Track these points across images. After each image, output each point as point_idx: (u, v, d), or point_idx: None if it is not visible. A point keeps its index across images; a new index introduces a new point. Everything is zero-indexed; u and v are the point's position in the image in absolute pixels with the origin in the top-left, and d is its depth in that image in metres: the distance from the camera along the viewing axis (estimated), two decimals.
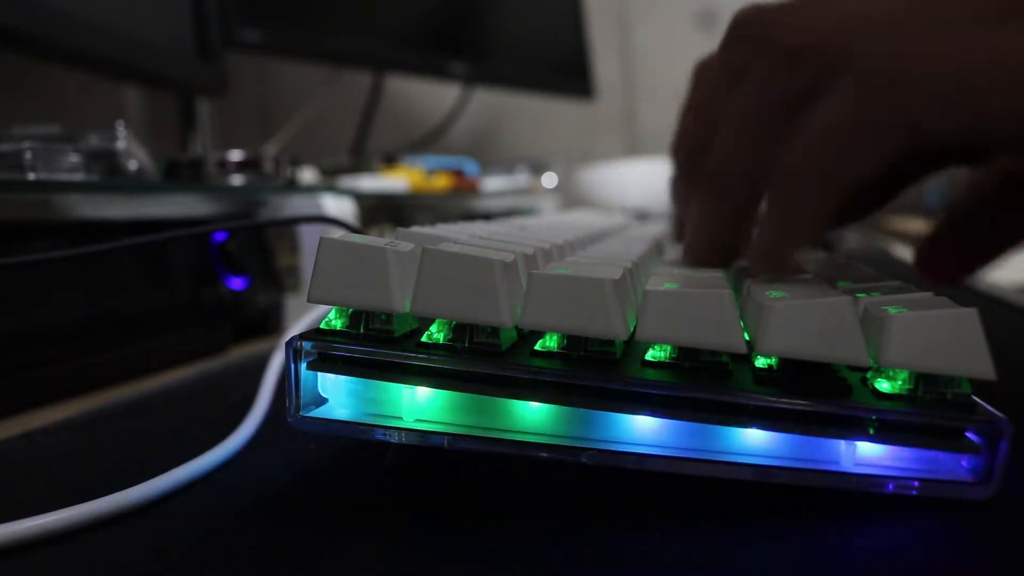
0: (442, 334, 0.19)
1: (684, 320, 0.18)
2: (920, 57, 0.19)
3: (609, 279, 0.18)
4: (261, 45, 0.75)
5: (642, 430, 0.19)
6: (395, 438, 0.19)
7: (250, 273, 0.47)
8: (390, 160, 0.78)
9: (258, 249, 0.50)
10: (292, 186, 0.54)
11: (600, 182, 1.04)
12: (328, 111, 0.97)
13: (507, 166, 0.94)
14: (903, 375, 0.18)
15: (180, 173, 0.47)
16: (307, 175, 0.64)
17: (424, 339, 0.19)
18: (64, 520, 0.18)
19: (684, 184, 0.26)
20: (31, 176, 0.35)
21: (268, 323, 0.49)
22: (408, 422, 0.19)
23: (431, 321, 0.19)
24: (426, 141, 1.04)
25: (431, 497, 0.20)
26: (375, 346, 0.19)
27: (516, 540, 0.17)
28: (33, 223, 0.36)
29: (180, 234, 0.35)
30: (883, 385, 0.18)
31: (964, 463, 0.18)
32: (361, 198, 0.57)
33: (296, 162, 0.59)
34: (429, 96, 1.15)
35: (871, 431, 0.18)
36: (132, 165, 0.42)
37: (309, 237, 0.50)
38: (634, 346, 0.19)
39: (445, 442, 0.19)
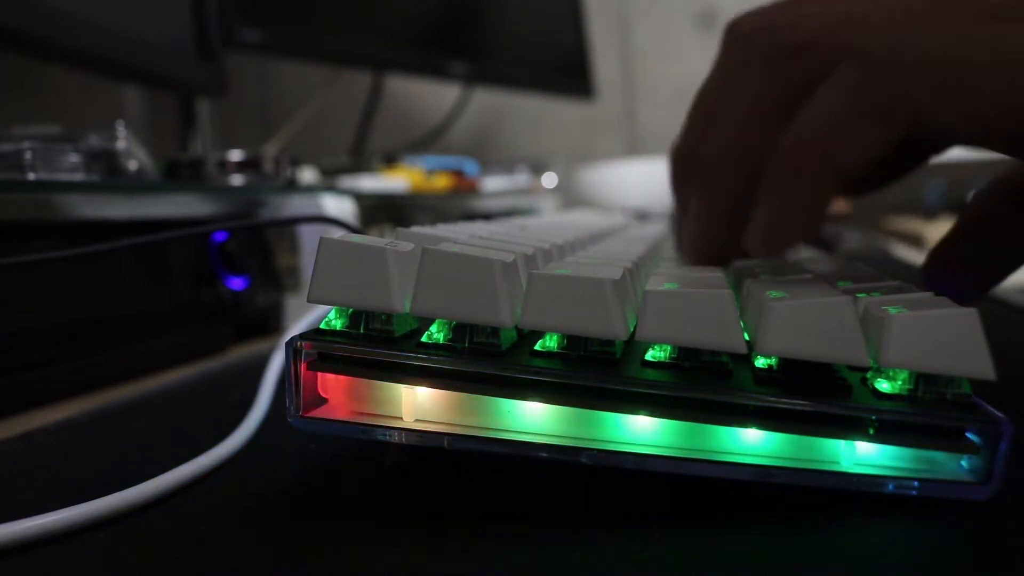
0: (442, 334, 0.19)
1: (684, 320, 0.18)
2: (919, 45, 0.19)
3: (609, 279, 0.18)
4: (261, 45, 0.75)
5: (642, 430, 0.19)
6: (395, 438, 0.19)
7: (250, 273, 0.47)
8: (390, 160, 0.78)
9: (258, 249, 0.50)
10: (292, 186, 0.54)
11: (600, 182, 1.04)
12: (328, 111, 0.97)
13: (507, 166, 0.94)
14: (903, 375, 0.18)
15: (180, 173, 0.47)
16: (307, 175, 0.64)
17: (424, 339, 0.19)
18: (64, 520, 0.18)
19: (681, 184, 0.27)
20: (31, 176, 0.35)
21: (268, 323, 0.49)
22: (408, 422, 0.19)
23: (431, 321, 0.19)
24: (426, 141, 1.04)
25: (431, 497, 0.20)
26: (375, 346, 0.19)
27: (516, 540, 0.17)
28: (33, 223, 0.36)
29: (180, 234, 0.35)
30: (883, 385, 0.18)
31: (964, 463, 0.18)
32: (361, 198, 0.57)
33: (296, 162, 0.59)
34: (429, 96, 1.15)
35: (871, 431, 0.18)
36: (132, 165, 0.42)
37: (309, 237, 0.50)
38: (634, 346, 0.19)
39: (445, 442, 0.19)
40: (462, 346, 0.19)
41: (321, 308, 0.20)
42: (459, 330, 0.19)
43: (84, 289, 0.37)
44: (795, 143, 0.21)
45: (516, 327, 0.19)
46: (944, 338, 0.17)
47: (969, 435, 0.18)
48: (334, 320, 0.19)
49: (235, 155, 0.49)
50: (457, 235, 0.23)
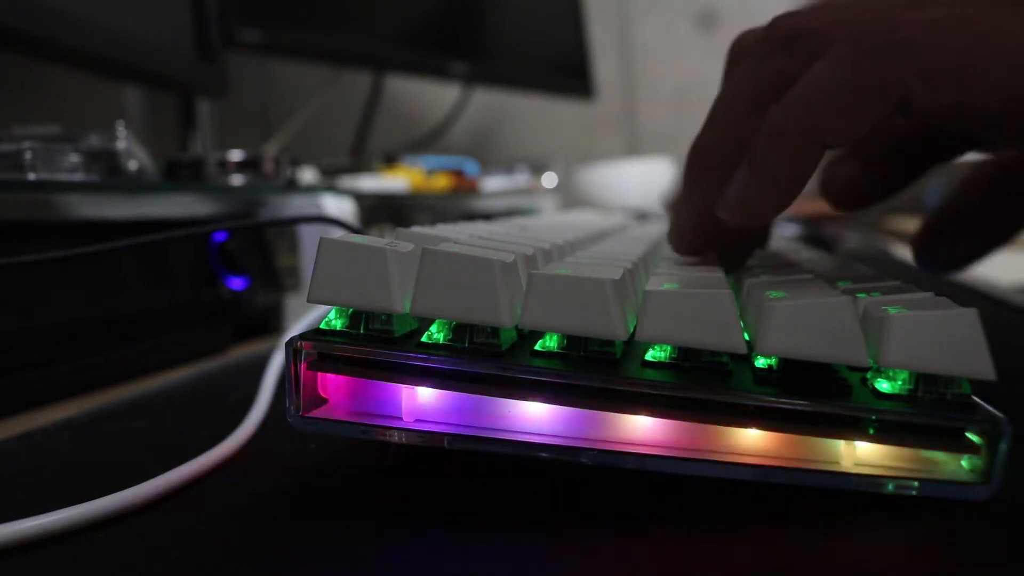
0: (442, 334, 0.19)
1: (684, 320, 0.18)
2: (915, 27, 0.19)
3: (609, 279, 0.18)
4: (261, 45, 0.75)
5: (642, 430, 0.19)
6: (395, 438, 0.19)
7: (250, 273, 0.47)
8: (390, 160, 0.78)
9: (258, 249, 0.50)
10: (292, 186, 0.54)
11: (600, 182, 1.04)
12: (328, 111, 0.97)
13: (507, 166, 0.94)
14: (903, 375, 0.18)
15: (180, 173, 0.47)
16: (307, 175, 0.64)
17: (424, 339, 0.19)
18: (64, 520, 0.18)
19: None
20: (31, 176, 0.35)
21: (268, 323, 0.49)
22: (408, 422, 0.19)
23: (431, 321, 0.19)
24: (426, 141, 1.04)
25: (431, 497, 0.20)
26: (375, 346, 0.19)
27: (516, 540, 0.17)
28: (33, 223, 0.36)
29: (180, 234, 0.35)
30: (883, 385, 0.18)
31: (964, 463, 0.18)
32: (361, 198, 0.57)
33: (296, 162, 0.59)
34: (429, 96, 1.15)
35: (871, 431, 0.18)
36: (132, 165, 0.42)
37: (309, 237, 0.50)
38: (634, 346, 0.19)
39: (445, 442, 0.19)
40: (462, 346, 0.19)
41: (321, 308, 0.20)
42: (459, 330, 0.19)
43: (84, 289, 0.37)
44: (782, 113, 0.21)
45: (516, 327, 0.19)
46: (944, 338, 0.17)
47: (969, 435, 0.18)
48: (334, 320, 0.19)
49: (235, 155, 0.49)
50: (457, 235, 0.23)
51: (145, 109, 0.83)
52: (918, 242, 0.30)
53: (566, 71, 1.15)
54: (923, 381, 0.18)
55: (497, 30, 1.06)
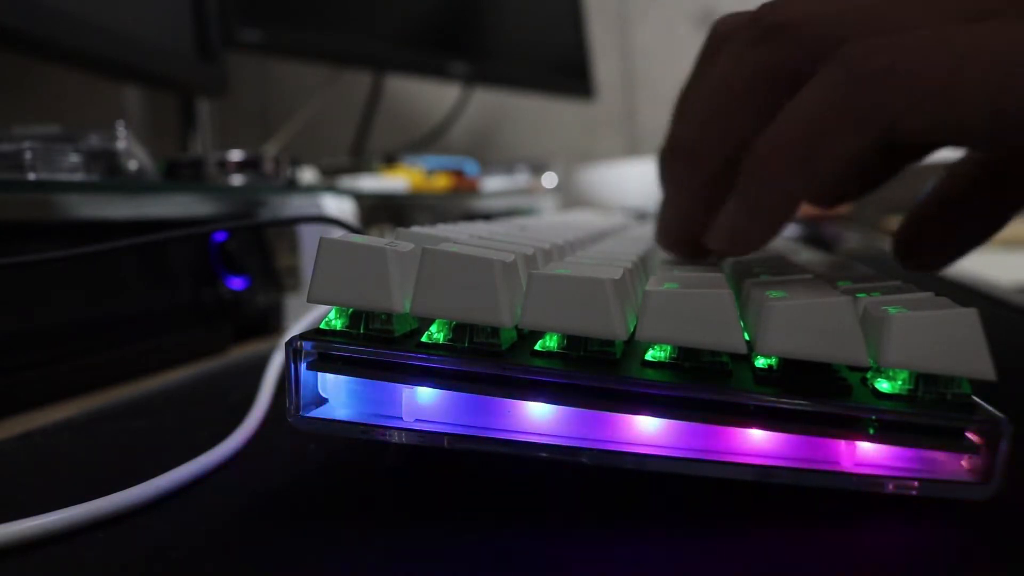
0: (442, 334, 0.19)
1: (684, 320, 0.18)
2: (897, 51, 0.19)
3: (609, 279, 0.18)
4: (261, 45, 0.75)
5: (642, 430, 0.19)
6: (395, 438, 0.19)
7: (250, 273, 0.47)
8: (390, 160, 0.78)
9: (258, 249, 0.50)
10: (292, 186, 0.54)
11: (600, 182, 1.04)
12: (328, 111, 0.97)
13: (507, 166, 0.94)
14: (903, 375, 0.18)
15: (180, 173, 0.47)
16: (307, 175, 0.64)
17: (424, 339, 0.19)
18: (64, 520, 0.18)
19: (664, 175, 0.26)
20: (31, 176, 0.35)
21: (268, 323, 0.49)
22: (408, 422, 0.19)
23: (431, 321, 0.19)
24: (426, 141, 1.04)
25: (431, 497, 0.20)
26: (375, 346, 0.19)
27: (516, 540, 0.17)
28: (33, 223, 0.36)
29: (180, 234, 0.35)
30: (883, 385, 0.18)
31: (964, 463, 0.18)
32: (361, 198, 0.57)
33: (296, 162, 0.59)
34: (429, 96, 1.15)
35: (871, 431, 0.18)
36: (132, 165, 0.42)
37: (309, 237, 0.50)
38: (634, 346, 0.19)
39: (445, 442, 0.19)
40: (462, 346, 0.19)
41: (321, 308, 0.20)
42: (459, 330, 0.19)
43: (84, 289, 0.37)
44: (769, 145, 0.21)
45: (516, 327, 0.19)
46: (944, 338, 0.17)
47: (969, 435, 0.18)
48: (334, 320, 0.19)
49: (235, 155, 0.49)
50: (457, 235, 0.23)
51: (145, 109, 0.83)
52: (899, 239, 0.30)
53: (566, 71, 1.15)
54: (923, 381, 0.18)
55: (497, 30, 1.06)
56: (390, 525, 0.18)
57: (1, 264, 0.27)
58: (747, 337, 0.19)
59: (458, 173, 0.81)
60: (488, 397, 0.19)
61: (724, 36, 0.24)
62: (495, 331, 0.19)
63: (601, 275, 0.18)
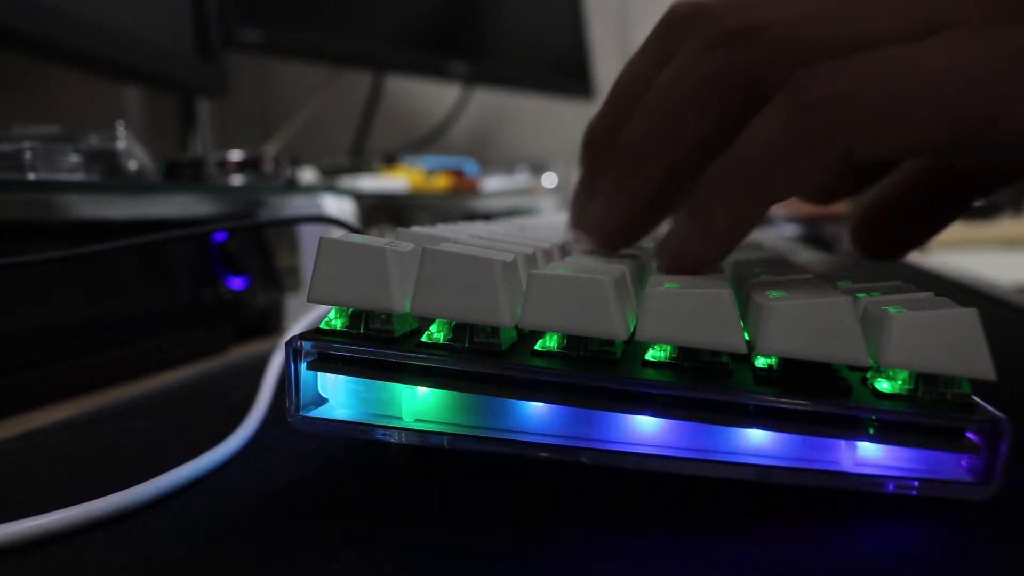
0: (442, 334, 0.19)
1: (684, 320, 0.18)
2: (849, 76, 0.19)
3: (609, 279, 0.18)
4: (261, 45, 0.75)
5: (642, 430, 0.19)
6: (395, 438, 0.19)
7: (250, 273, 0.47)
8: (390, 160, 0.78)
9: (258, 249, 0.50)
10: (292, 186, 0.54)
11: None
12: (328, 111, 0.97)
13: (507, 166, 0.94)
14: (903, 375, 0.18)
15: (180, 173, 0.47)
16: (307, 175, 0.64)
17: (424, 339, 0.19)
18: (64, 520, 0.18)
19: (592, 162, 0.25)
20: (31, 176, 0.35)
21: (268, 323, 0.49)
22: (408, 422, 0.19)
23: (431, 321, 0.19)
24: (426, 141, 1.04)
25: (431, 497, 0.20)
26: (375, 346, 0.19)
27: (516, 540, 0.17)
28: (33, 223, 0.36)
29: (180, 234, 0.35)
30: (883, 385, 0.18)
31: (964, 463, 0.18)
32: (361, 198, 0.57)
33: (296, 162, 0.59)
34: (429, 96, 1.15)
35: (871, 431, 0.18)
36: (132, 165, 0.42)
37: (309, 237, 0.50)
38: (634, 346, 0.19)
39: (445, 442, 0.19)
40: (462, 346, 0.19)
41: (321, 308, 0.20)
42: (459, 330, 0.19)
43: (84, 289, 0.37)
44: (725, 169, 0.21)
45: (516, 327, 0.19)
46: (944, 338, 0.17)
47: (969, 435, 0.18)
48: (334, 320, 0.19)
49: (235, 155, 0.49)
50: (457, 235, 0.23)
51: (145, 109, 0.83)
52: (854, 232, 0.31)
53: (566, 71, 1.15)
54: (923, 381, 0.18)
55: (497, 30, 1.06)
56: (390, 525, 0.18)
57: (1, 264, 0.27)
58: (747, 337, 0.19)
59: (458, 173, 0.81)
60: (488, 397, 0.19)
61: (681, 27, 0.23)
62: (495, 331, 0.19)
63: (601, 275, 0.18)
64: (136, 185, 0.42)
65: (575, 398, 0.18)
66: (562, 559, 0.16)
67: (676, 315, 0.18)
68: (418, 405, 0.19)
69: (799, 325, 0.17)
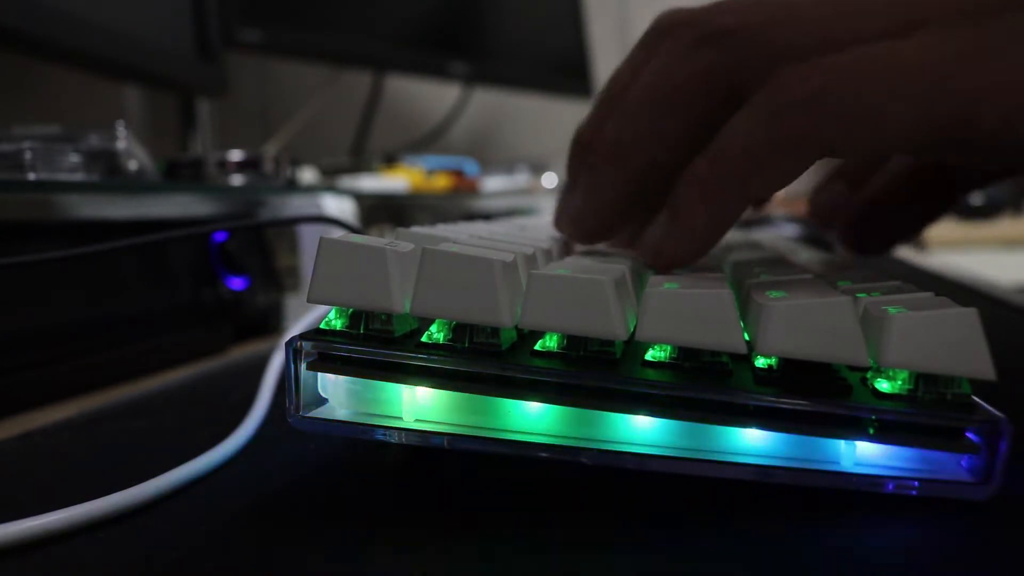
0: (442, 334, 0.19)
1: (684, 320, 0.18)
2: (828, 75, 0.20)
3: (609, 279, 0.18)
4: (261, 45, 0.75)
5: (642, 430, 0.19)
6: (395, 438, 0.19)
7: (250, 273, 0.47)
8: (390, 160, 0.78)
9: (258, 249, 0.50)
10: (292, 186, 0.54)
11: None
12: (328, 111, 0.97)
13: (507, 166, 0.94)
14: (903, 375, 0.18)
15: (180, 173, 0.47)
16: (307, 175, 0.64)
17: (424, 339, 0.19)
18: (64, 520, 0.18)
19: (577, 166, 0.26)
20: (31, 176, 0.35)
21: (268, 323, 0.49)
22: (408, 422, 0.19)
23: (431, 321, 0.19)
24: (426, 141, 1.04)
25: (431, 497, 0.20)
26: (375, 346, 0.19)
27: (516, 540, 0.17)
28: (33, 223, 0.36)
29: (180, 234, 0.35)
30: (883, 385, 0.18)
31: (964, 463, 0.18)
32: (361, 198, 0.57)
33: (296, 162, 0.59)
34: (429, 96, 1.15)
35: (871, 431, 0.18)
36: (132, 165, 0.42)
37: (309, 237, 0.50)
38: (634, 346, 0.19)
39: (445, 442, 0.19)
40: (462, 346, 0.19)
41: (321, 308, 0.20)
42: (459, 330, 0.19)
43: (84, 289, 0.37)
44: (706, 166, 0.21)
45: (516, 327, 0.19)
46: (944, 338, 0.17)
47: (969, 435, 0.18)
48: (334, 320, 0.19)
49: (235, 155, 0.49)
50: (457, 235, 0.23)
51: (145, 109, 0.83)
52: (843, 228, 0.31)
53: (566, 71, 1.15)
54: (923, 381, 0.18)
55: (497, 30, 1.06)
56: (390, 525, 0.18)
57: (1, 264, 0.27)
58: (747, 337, 0.19)
59: (458, 173, 0.81)
60: (488, 397, 0.19)
61: (665, 32, 0.23)
62: (495, 331, 0.19)
63: (601, 275, 0.18)
64: (136, 185, 0.42)
65: (575, 398, 0.18)
66: (562, 559, 0.16)
67: (676, 315, 0.18)
68: (418, 405, 0.19)
69: (799, 325, 0.17)
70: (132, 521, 0.18)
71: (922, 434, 0.18)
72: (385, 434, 0.19)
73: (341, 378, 0.19)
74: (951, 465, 0.18)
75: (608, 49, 1.27)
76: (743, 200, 0.21)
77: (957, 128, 0.19)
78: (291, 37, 0.79)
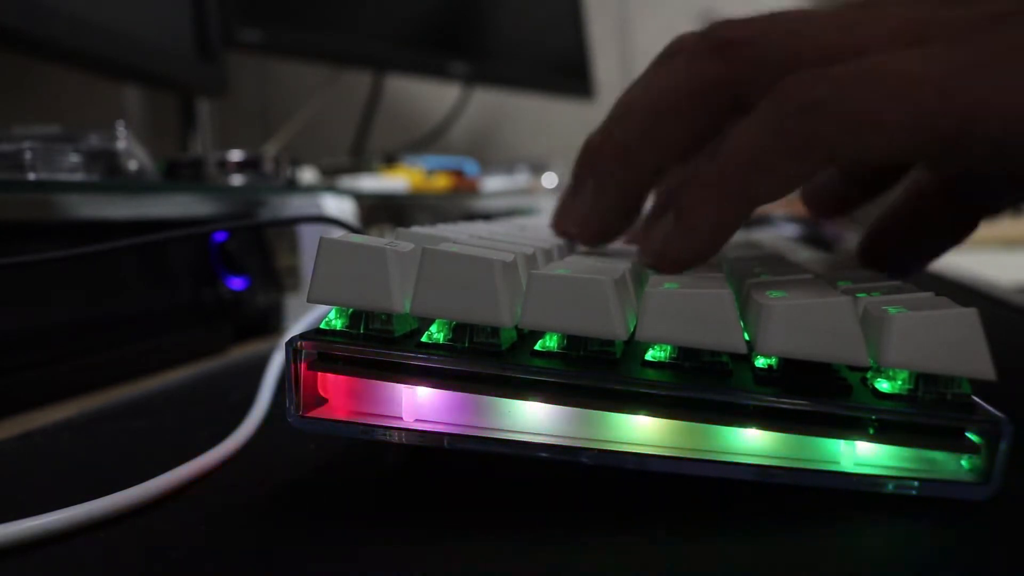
0: (442, 334, 0.19)
1: (684, 320, 0.18)
2: (832, 82, 0.20)
3: (609, 279, 0.18)
4: (261, 45, 0.75)
5: (642, 430, 0.19)
6: (395, 438, 0.19)
7: (250, 273, 0.47)
8: (390, 160, 0.78)
9: (258, 249, 0.50)
10: (292, 186, 0.54)
11: None
12: (328, 111, 0.97)
13: (507, 166, 0.94)
14: (903, 375, 0.18)
15: (180, 173, 0.47)
16: (307, 175, 0.64)
17: (424, 339, 0.19)
18: (64, 520, 0.18)
19: (584, 168, 0.26)
20: (31, 176, 0.35)
21: (268, 323, 0.49)
22: (408, 422, 0.19)
23: (431, 321, 0.19)
24: (426, 141, 1.04)
25: (431, 497, 0.20)
26: (375, 346, 0.19)
27: (516, 540, 0.17)
28: (33, 223, 0.36)
29: (180, 234, 0.35)
30: (883, 385, 0.18)
31: (964, 463, 0.18)
32: (361, 198, 0.57)
33: (296, 162, 0.59)
34: (429, 96, 1.15)
35: (871, 431, 0.18)
36: (132, 165, 0.42)
37: (309, 237, 0.50)
38: (634, 346, 0.19)
39: (445, 442, 0.19)
40: (462, 346, 0.19)
41: (321, 308, 0.20)
42: (459, 330, 0.19)
43: (84, 289, 0.37)
44: (712, 169, 0.21)
45: (516, 327, 0.19)
46: (944, 338, 0.17)
47: (969, 435, 0.18)
48: (334, 320, 0.19)
49: (235, 155, 0.49)
50: (457, 235, 0.23)
51: (145, 109, 0.83)
52: (864, 248, 0.31)
53: (566, 71, 1.15)
54: (923, 381, 0.18)
55: (497, 30, 1.06)
56: (390, 525, 0.18)
57: (1, 264, 0.27)
58: (747, 337, 0.19)
59: (458, 173, 0.81)
60: (488, 397, 0.19)
61: (676, 50, 0.24)
62: (495, 331, 0.19)
63: (601, 275, 0.18)
64: (136, 185, 0.42)
65: (575, 398, 0.18)
66: (562, 559, 0.16)
67: (676, 315, 0.18)
68: (418, 405, 0.19)
69: (799, 325, 0.17)
70: (132, 521, 0.18)
71: (922, 434, 0.18)
72: (385, 434, 0.19)
73: (341, 378, 0.19)
74: (951, 465, 0.18)
75: (608, 49, 1.27)
76: (748, 204, 0.21)
77: (959, 137, 0.19)
78: (291, 37, 0.79)
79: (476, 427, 0.19)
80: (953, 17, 0.20)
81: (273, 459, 0.23)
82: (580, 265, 0.20)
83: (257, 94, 1.13)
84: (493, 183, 0.88)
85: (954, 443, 0.17)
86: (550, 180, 0.98)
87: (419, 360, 0.18)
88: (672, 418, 0.18)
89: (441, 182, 0.78)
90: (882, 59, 0.20)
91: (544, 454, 0.18)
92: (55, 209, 0.38)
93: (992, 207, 0.30)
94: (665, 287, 0.18)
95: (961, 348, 0.17)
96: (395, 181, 0.70)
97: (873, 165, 0.21)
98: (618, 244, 0.28)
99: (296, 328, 0.33)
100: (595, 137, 0.25)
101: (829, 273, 0.25)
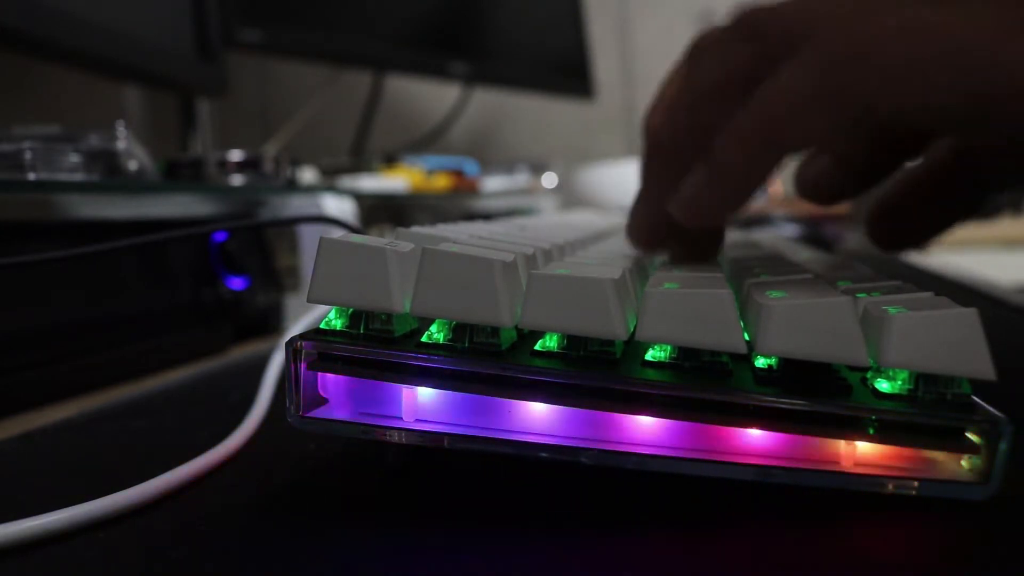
0: (442, 334, 0.19)
1: (684, 320, 0.18)
2: (874, 37, 0.20)
3: (609, 279, 0.18)
4: (261, 45, 0.75)
5: (642, 430, 0.19)
6: (395, 438, 0.19)
7: (250, 273, 0.47)
8: (390, 160, 0.78)
9: (258, 249, 0.50)
10: (292, 186, 0.54)
11: (600, 182, 1.04)
12: (328, 111, 0.97)
13: (507, 166, 0.94)
14: (903, 375, 0.18)
15: (180, 173, 0.47)
16: (307, 175, 0.64)
17: (424, 339, 0.19)
18: (64, 520, 0.18)
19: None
20: (31, 176, 0.35)
21: (268, 323, 0.49)
22: (408, 422, 0.19)
23: (431, 321, 0.19)
24: (426, 141, 1.04)
25: (431, 497, 0.20)
26: (375, 346, 0.19)
27: (516, 540, 0.17)
28: (33, 223, 0.36)
29: (180, 234, 0.35)
30: (883, 385, 0.18)
31: (964, 463, 0.18)
32: (361, 198, 0.57)
33: (296, 162, 0.59)
34: (429, 96, 1.15)
35: (871, 431, 0.18)
36: (132, 165, 0.42)
37: (309, 237, 0.50)
38: (634, 346, 0.19)
39: (445, 442, 0.19)
40: (462, 346, 0.19)
41: (321, 308, 0.20)
42: (459, 330, 0.19)
43: (84, 289, 0.37)
44: (745, 115, 0.21)
45: (516, 327, 0.19)
46: (944, 338, 0.17)
47: (969, 435, 0.18)
48: (334, 320, 0.19)
49: (235, 155, 0.49)
50: (457, 235, 0.23)
51: (145, 109, 0.83)
52: (872, 221, 0.31)
53: (566, 71, 1.15)
54: (923, 381, 0.18)
55: (497, 30, 1.06)
56: (390, 525, 0.18)
57: (1, 264, 0.27)
58: (747, 337, 0.19)
59: (458, 173, 0.81)
60: (488, 397, 0.19)
61: (707, 43, 0.24)
62: (495, 331, 0.19)
63: (601, 275, 0.18)
64: (136, 185, 0.42)
65: (575, 398, 0.18)
66: (563, 559, 0.16)
67: (676, 315, 0.18)
68: (418, 405, 0.19)
69: (799, 325, 0.17)
70: (132, 521, 0.18)
71: (922, 434, 0.18)
72: (385, 434, 0.19)
73: (341, 378, 0.19)
74: (951, 465, 0.18)
75: (608, 49, 1.27)
76: (778, 150, 0.21)
77: (1000, 101, 0.19)
78: (291, 37, 0.79)
79: (476, 427, 0.19)
80: None
81: (273, 459, 0.23)
82: (580, 265, 0.20)
83: (257, 94, 1.13)
84: (493, 183, 0.88)
85: (954, 443, 0.17)
86: (550, 180, 0.98)
87: (419, 360, 0.18)
88: (672, 418, 0.18)
89: (441, 182, 0.78)
90: (925, 14, 0.19)
91: (544, 454, 0.18)
92: (55, 209, 0.38)
93: (997, 184, 0.29)
94: (665, 287, 0.18)
95: (961, 348, 0.17)
96: (395, 181, 0.70)
97: (898, 128, 0.21)
98: (625, 245, 0.28)
99: (296, 328, 0.33)
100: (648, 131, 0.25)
101: (829, 273, 0.25)
